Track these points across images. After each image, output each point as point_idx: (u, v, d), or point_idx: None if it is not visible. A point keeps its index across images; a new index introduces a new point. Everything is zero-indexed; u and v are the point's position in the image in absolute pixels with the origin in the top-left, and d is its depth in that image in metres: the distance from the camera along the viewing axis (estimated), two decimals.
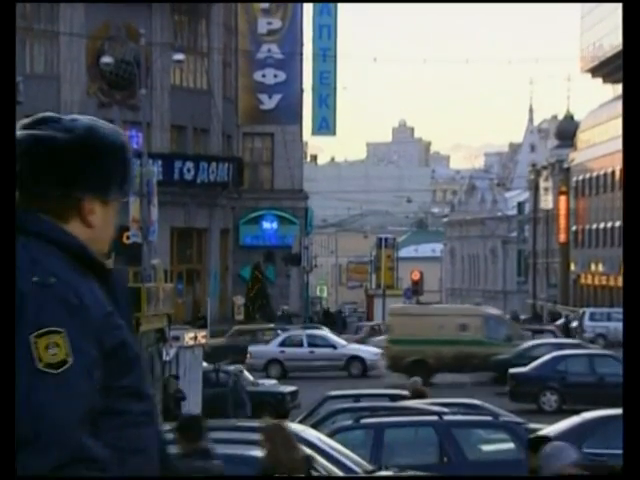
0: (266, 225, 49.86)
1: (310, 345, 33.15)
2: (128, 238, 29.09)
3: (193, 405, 18.59)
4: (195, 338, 19.40)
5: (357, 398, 17.32)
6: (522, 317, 60.98)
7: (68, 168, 2.43)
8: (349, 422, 14.29)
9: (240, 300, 45.74)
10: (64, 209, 2.44)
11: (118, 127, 2.57)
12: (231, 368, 23.02)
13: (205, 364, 21.18)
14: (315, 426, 14.31)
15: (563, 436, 14.03)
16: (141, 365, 2.43)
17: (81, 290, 2.34)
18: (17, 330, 2.27)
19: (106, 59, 35.64)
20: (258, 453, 10.16)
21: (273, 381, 24.51)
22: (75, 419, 2.24)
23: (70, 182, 2.43)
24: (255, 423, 13.15)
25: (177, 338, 18.34)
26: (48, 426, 2.23)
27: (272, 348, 33.62)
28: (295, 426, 13.23)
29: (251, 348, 33.66)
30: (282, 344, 33.77)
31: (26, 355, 2.26)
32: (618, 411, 14.89)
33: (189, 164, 42.52)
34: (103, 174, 2.46)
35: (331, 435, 13.11)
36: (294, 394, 23.09)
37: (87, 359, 2.28)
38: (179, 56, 36.87)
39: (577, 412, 15.65)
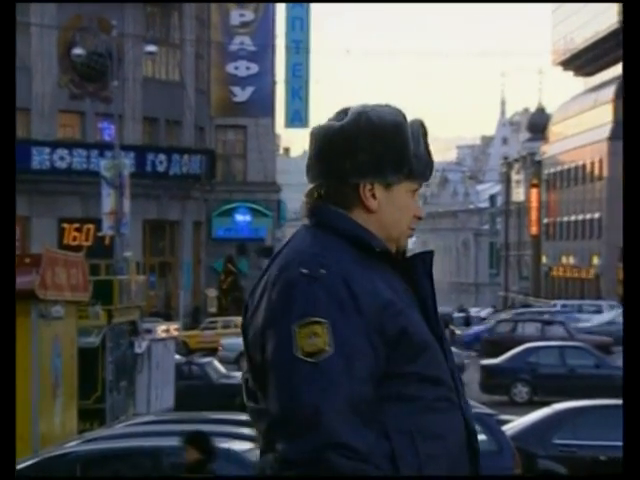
0: (239, 217, 49.83)
1: None
2: (99, 231, 29.03)
3: (165, 398, 18.58)
4: (167, 331, 19.39)
5: None
6: (491, 310, 61.24)
7: (339, 155, 2.42)
8: None
9: (213, 292, 45.71)
10: (345, 197, 2.42)
11: (397, 108, 2.49)
12: (203, 360, 23.03)
13: (177, 356, 21.16)
14: None
15: (534, 427, 14.14)
16: (432, 351, 2.39)
17: (355, 280, 2.34)
18: (281, 318, 2.32)
19: (78, 51, 35.49)
20: (229, 445, 10.18)
21: None
22: (329, 407, 2.24)
23: (343, 169, 2.42)
24: (226, 415, 13.17)
25: (149, 331, 18.32)
26: (302, 412, 2.26)
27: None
28: None
29: (223, 341, 33.53)
30: None
31: (288, 343, 2.30)
32: (588, 402, 15.01)
33: (161, 156, 42.41)
34: (374, 157, 2.42)
35: None
36: None
37: (349, 349, 2.28)
38: (151, 48, 36.76)
39: (548, 404, 15.76)
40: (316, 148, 2.44)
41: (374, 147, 2.41)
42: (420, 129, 2.47)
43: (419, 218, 2.49)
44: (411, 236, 2.50)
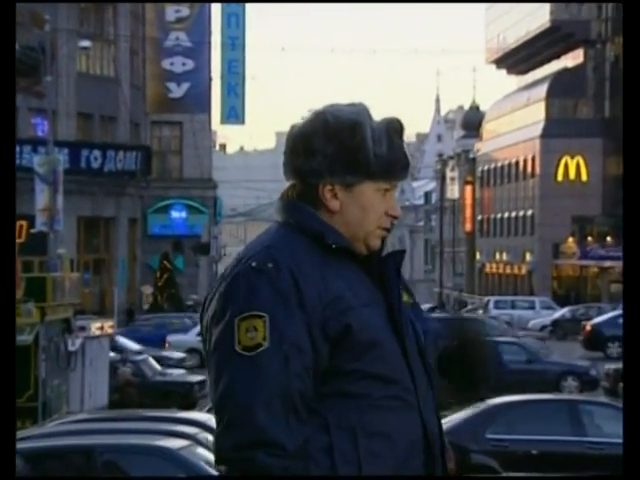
0: (175, 214, 49.57)
1: None
2: (32, 227, 28.72)
3: (99, 396, 18.46)
4: (101, 328, 19.25)
5: None
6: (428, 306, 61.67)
7: (298, 156, 2.43)
8: None
9: (148, 290, 45.45)
10: (312, 197, 2.42)
11: (360, 107, 2.45)
12: (138, 358, 22.91)
13: (112, 354, 21.03)
14: None
15: (467, 422, 14.29)
16: (383, 350, 2.35)
17: (304, 275, 2.33)
18: (225, 310, 2.33)
19: None
20: (164, 443, 10.16)
21: (181, 371, 24.43)
22: (260, 402, 2.24)
23: (302, 170, 2.42)
24: (161, 413, 13.13)
25: (83, 328, 18.19)
26: (232, 407, 2.26)
27: (191, 337, 33.27)
28: (202, 415, 13.25)
29: (169, 337, 33.32)
30: (201, 333, 33.40)
31: (230, 336, 2.31)
32: (521, 397, 15.20)
33: (96, 152, 42.05)
34: (327, 158, 2.40)
35: None
36: (202, 384, 23.05)
37: (287, 344, 2.28)
38: (85, 43, 36.44)
39: (482, 398, 15.93)
40: (285, 147, 2.49)
41: (327, 148, 2.40)
42: (386, 128, 2.43)
43: (393, 217, 2.45)
44: (384, 236, 2.45)
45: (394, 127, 2.45)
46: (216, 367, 2.32)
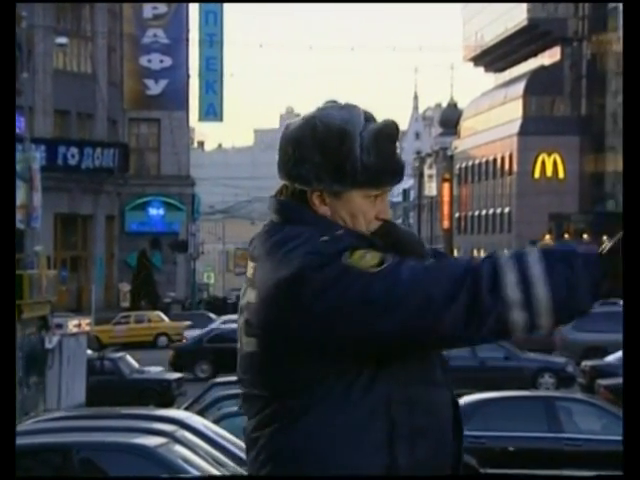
0: (152, 211, 49.47)
1: None
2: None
3: (77, 393, 18.41)
4: (79, 326, 19.20)
5: None
6: None
7: (287, 161, 2.41)
8: (235, 408, 14.35)
9: (126, 287, 45.34)
10: (300, 199, 2.41)
11: (352, 113, 2.41)
12: (116, 355, 22.86)
13: (89, 352, 20.98)
14: (201, 413, 14.32)
15: None
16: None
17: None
18: (324, 265, 2.27)
19: None
20: (142, 441, 10.15)
21: (159, 368, 24.38)
22: (435, 286, 2.25)
23: (291, 175, 2.40)
24: (138, 411, 13.11)
25: (60, 326, 18.13)
26: (426, 297, 2.25)
27: None
28: (180, 413, 13.23)
29: (187, 333, 33.54)
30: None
31: (354, 274, 2.26)
32: (498, 394, 15.26)
33: (73, 149, 41.91)
34: (314, 167, 2.38)
35: (217, 422, 13.15)
36: (180, 381, 23.02)
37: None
38: (62, 40, 36.30)
39: (459, 395, 15.98)
40: (278, 148, 2.45)
41: (315, 156, 2.38)
42: (375, 135, 2.39)
43: (384, 220, 2.44)
44: None
45: (386, 133, 2.41)
46: (370, 305, 2.25)
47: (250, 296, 2.40)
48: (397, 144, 2.44)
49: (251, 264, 2.44)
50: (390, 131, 2.42)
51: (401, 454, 2.35)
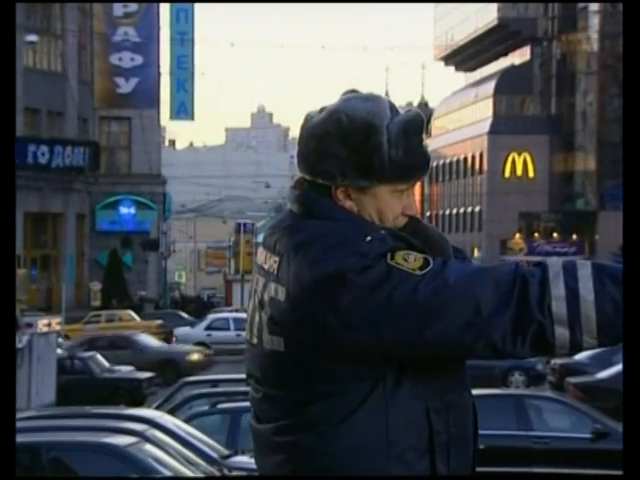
0: (123, 210, 49.28)
1: (237, 329, 32.92)
2: None
3: (47, 393, 18.33)
4: (49, 325, 19.12)
5: (214, 383, 17.37)
6: None
7: (309, 155, 2.31)
8: (205, 407, 14.34)
9: (97, 286, 45.15)
10: (324, 193, 2.31)
11: (378, 105, 2.29)
12: (86, 354, 22.78)
13: (59, 351, 20.89)
14: (172, 412, 14.30)
15: None
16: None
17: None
18: (368, 265, 2.18)
19: None
20: (112, 440, 10.12)
21: (129, 367, 24.32)
22: (483, 281, 2.18)
23: (314, 169, 2.30)
24: (109, 410, 13.08)
25: (30, 325, 18.05)
26: (480, 296, 2.17)
27: (198, 331, 33.71)
28: (151, 412, 13.22)
29: (177, 331, 33.67)
30: (209, 327, 33.87)
31: (402, 276, 2.18)
32: (489, 391, 15.31)
33: (43, 148, 41.70)
34: (339, 162, 2.27)
35: (187, 421, 13.14)
36: (150, 380, 22.97)
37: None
38: (32, 37, 36.11)
39: None
40: (298, 140, 2.35)
41: (341, 151, 2.27)
42: (404, 129, 2.29)
43: (410, 217, 2.35)
44: None
45: (413, 125, 2.31)
46: (418, 307, 2.17)
47: (275, 292, 2.27)
48: (424, 136, 2.36)
49: (273, 257, 2.31)
50: (417, 122, 2.32)
51: (440, 462, 2.28)
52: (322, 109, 2.33)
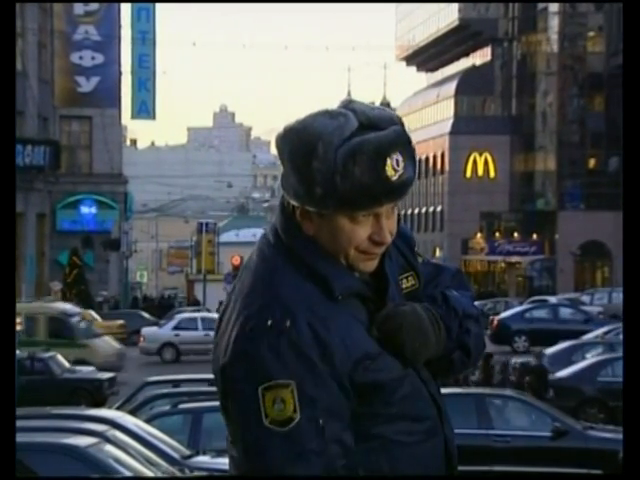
0: (84, 210, 49.03)
1: (205, 328, 32.79)
2: None
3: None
4: None
5: (176, 383, 17.33)
6: None
7: (285, 171, 2.13)
8: (167, 407, 14.31)
9: (57, 286, 44.86)
10: (294, 212, 2.15)
11: (330, 125, 2.06)
12: (46, 355, 22.62)
13: (18, 352, 20.74)
14: (133, 412, 14.26)
15: None
16: (407, 389, 2.19)
17: (325, 326, 2.10)
18: (245, 376, 2.09)
19: None
20: (72, 441, 10.08)
21: (90, 368, 24.19)
22: (304, 475, 2.07)
23: (282, 184, 2.13)
24: (69, 411, 13.01)
25: None
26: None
27: (166, 331, 33.51)
28: (112, 413, 13.16)
29: (144, 331, 33.47)
30: (176, 327, 33.71)
31: (256, 408, 2.08)
32: (449, 390, 15.39)
33: None
34: (291, 184, 2.10)
35: (149, 421, 13.10)
36: (112, 380, 22.87)
37: (319, 411, 2.08)
38: None
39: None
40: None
41: (290, 173, 2.10)
42: (353, 153, 2.05)
43: (378, 243, 2.15)
44: (372, 259, 2.18)
45: (369, 149, 2.07)
46: (244, 437, 2.11)
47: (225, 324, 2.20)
48: (394, 158, 2.09)
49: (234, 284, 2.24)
50: (376, 146, 2.06)
51: (454, 468, 2.35)
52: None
